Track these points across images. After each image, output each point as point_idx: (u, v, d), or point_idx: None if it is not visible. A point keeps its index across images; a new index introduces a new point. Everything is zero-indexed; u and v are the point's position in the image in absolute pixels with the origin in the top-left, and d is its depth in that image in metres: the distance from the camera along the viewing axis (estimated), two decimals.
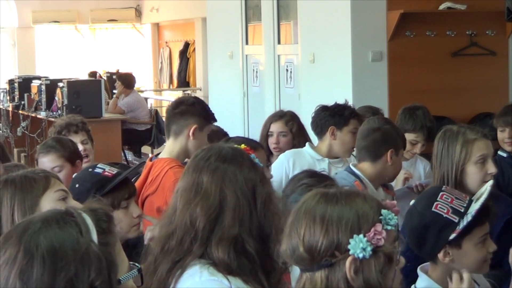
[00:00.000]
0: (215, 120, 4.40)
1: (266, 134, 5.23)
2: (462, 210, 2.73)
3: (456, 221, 2.71)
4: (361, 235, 1.89)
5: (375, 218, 1.92)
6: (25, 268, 1.51)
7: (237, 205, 2.38)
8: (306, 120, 5.22)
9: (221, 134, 5.01)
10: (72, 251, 1.52)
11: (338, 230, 1.91)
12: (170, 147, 4.25)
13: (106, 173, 3.19)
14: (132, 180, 3.66)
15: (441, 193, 2.79)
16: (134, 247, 3.15)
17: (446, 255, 2.73)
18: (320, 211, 1.94)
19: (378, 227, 1.91)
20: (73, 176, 3.48)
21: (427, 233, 2.76)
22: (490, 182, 2.86)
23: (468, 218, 2.69)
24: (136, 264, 1.73)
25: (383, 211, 1.94)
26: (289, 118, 5.24)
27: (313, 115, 4.91)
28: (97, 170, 3.22)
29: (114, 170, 3.23)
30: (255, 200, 2.41)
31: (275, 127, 5.21)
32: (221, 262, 2.33)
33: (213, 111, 4.36)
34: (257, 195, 2.42)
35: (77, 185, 3.18)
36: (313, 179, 3.41)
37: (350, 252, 1.89)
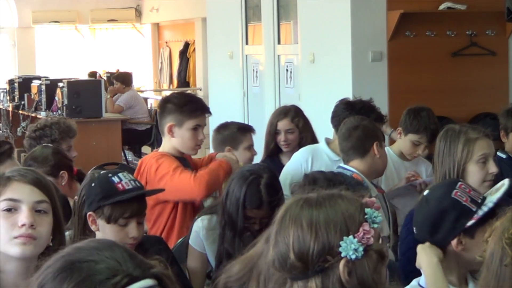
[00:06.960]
0: (194, 112, 4.29)
1: (273, 132, 5.26)
2: (479, 201, 2.77)
3: (474, 209, 2.74)
4: (350, 236, 1.90)
5: (361, 217, 1.93)
6: None
7: None
8: None
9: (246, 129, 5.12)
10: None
11: (327, 234, 1.90)
12: (163, 145, 4.40)
13: (119, 185, 3.07)
14: None
15: (459, 183, 2.85)
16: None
17: (459, 243, 2.75)
18: (306, 217, 1.93)
19: (366, 226, 1.91)
20: (90, 172, 3.45)
21: (444, 219, 2.78)
22: (506, 180, 2.86)
23: (489, 205, 2.73)
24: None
25: (367, 210, 1.94)
26: (294, 114, 5.27)
27: (334, 108, 4.95)
28: (115, 178, 3.09)
29: (130, 185, 3.09)
30: None
31: (282, 125, 5.24)
32: None
33: (195, 104, 4.31)
34: None
35: (93, 184, 3.11)
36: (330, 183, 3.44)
37: (342, 255, 1.89)
